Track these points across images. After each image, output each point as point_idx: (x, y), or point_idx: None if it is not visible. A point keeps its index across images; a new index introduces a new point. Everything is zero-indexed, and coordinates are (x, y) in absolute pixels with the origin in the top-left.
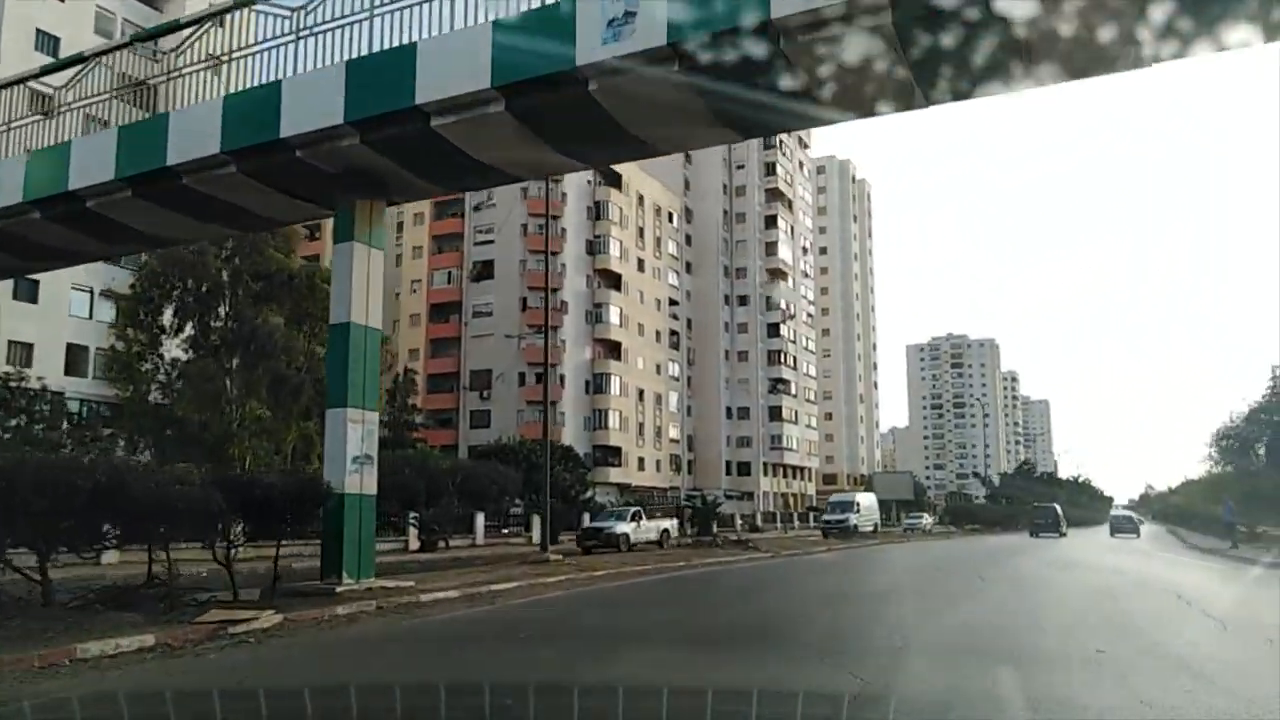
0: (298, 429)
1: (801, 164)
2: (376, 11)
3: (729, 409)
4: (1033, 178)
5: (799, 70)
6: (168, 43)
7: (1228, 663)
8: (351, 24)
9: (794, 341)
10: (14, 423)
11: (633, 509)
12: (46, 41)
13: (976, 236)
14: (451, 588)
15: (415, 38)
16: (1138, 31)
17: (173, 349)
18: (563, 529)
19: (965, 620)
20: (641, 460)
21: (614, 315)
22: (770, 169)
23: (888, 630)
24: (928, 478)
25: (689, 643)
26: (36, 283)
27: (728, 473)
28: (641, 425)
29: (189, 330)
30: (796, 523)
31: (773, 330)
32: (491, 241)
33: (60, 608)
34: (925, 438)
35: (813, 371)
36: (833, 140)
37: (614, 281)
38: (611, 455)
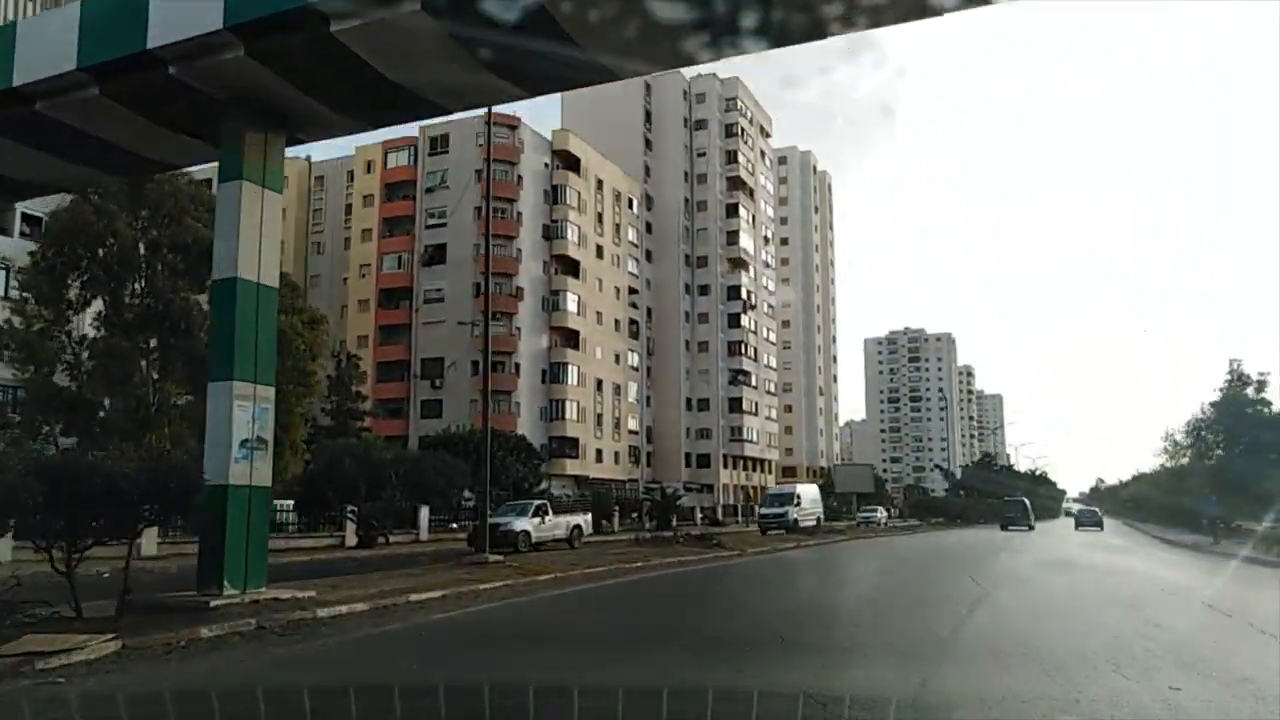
0: None
1: (763, 153)
2: None
3: (689, 400)
4: (982, 170)
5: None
6: None
7: None
8: None
9: (755, 332)
10: None
11: (536, 503)
12: None
13: (932, 231)
14: (361, 599)
15: None
16: None
17: (83, 326)
18: None
19: (988, 640)
20: (599, 452)
21: (572, 303)
22: (732, 157)
23: (906, 658)
24: (884, 471)
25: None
26: None
27: (687, 465)
28: (600, 416)
29: (98, 306)
30: (756, 516)
31: (733, 321)
32: (444, 224)
33: None
34: (882, 431)
35: (773, 363)
36: (793, 132)
37: (572, 268)
38: (569, 447)
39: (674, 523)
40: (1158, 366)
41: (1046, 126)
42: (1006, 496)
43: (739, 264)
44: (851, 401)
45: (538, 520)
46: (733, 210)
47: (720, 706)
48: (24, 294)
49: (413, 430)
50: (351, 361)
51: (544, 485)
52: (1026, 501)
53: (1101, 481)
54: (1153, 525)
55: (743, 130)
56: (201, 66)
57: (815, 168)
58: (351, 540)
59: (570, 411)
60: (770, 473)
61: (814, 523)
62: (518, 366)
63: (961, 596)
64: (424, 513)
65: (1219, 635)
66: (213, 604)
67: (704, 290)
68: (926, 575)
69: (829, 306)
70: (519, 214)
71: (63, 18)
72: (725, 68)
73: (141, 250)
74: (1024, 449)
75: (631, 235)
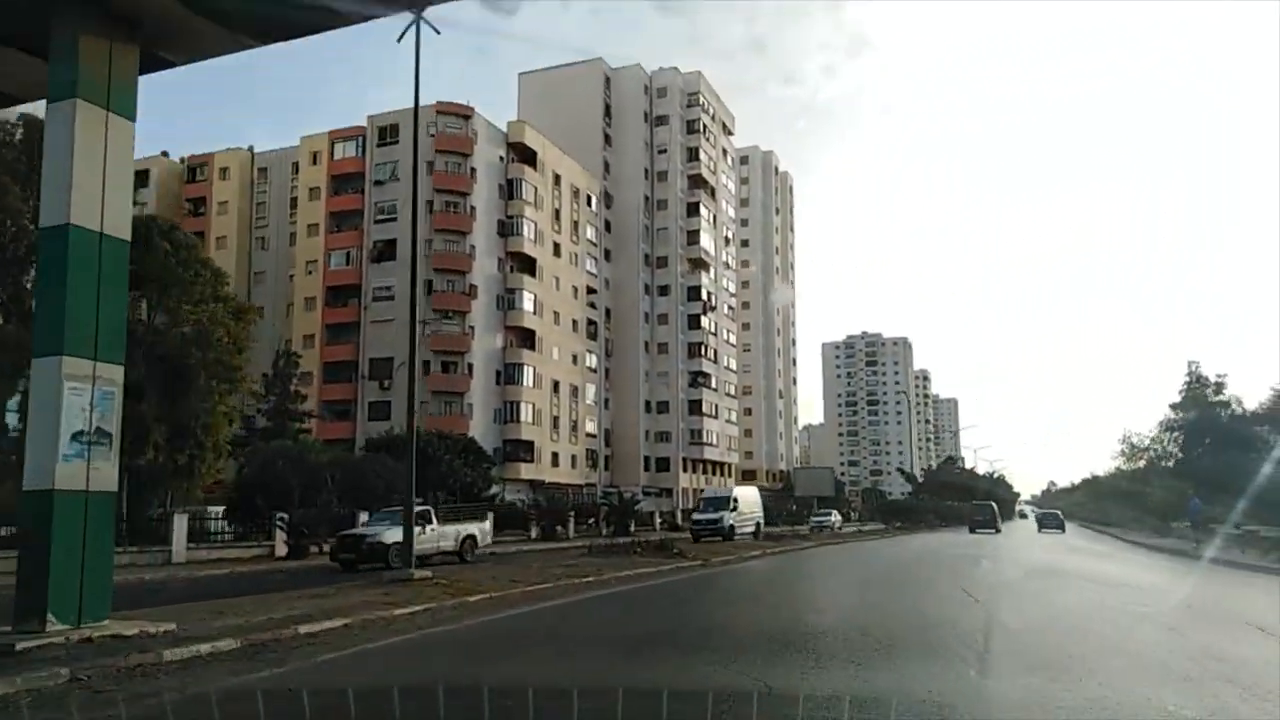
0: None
1: (725, 151)
2: None
3: (648, 402)
4: (937, 175)
5: None
6: None
7: None
8: None
9: (715, 334)
10: None
11: (417, 509)
12: None
13: (892, 235)
14: (235, 632)
15: None
16: None
17: None
18: None
19: (1036, 693)
20: (556, 455)
21: (528, 302)
22: (693, 154)
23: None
24: (842, 474)
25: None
26: None
27: (646, 469)
28: (556, 418)
29: None
30: (689, 523)
31: (693, 322)
32: (394, 219)
33: None
34: (840, 435)
35: (733, 365)
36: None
37: (528, 266)
38: (523, 450)
39: (632, 528)
40: (1107, 372)
41: (1007, 126)
42: (975, 500)
43: (699, 264)
44: (809, 405)
45: (417, 529)
46: (694, 209)
47: (721, 707)
48: None
49: (360, 433)
50: (291, 359)
51: (495, 490)
52: (994, 505)
53: (1053, 484)
54: (1114, 528)
55: (705, 127)
56: None
57: (777, 168)
58: (281, 550)
59: (526, 414)
60: (730, 476)
61: (752, 529)
62: (471, 367)
63: (966, 618)
64: (362, 519)
65: None
66: (21, 645)
67: (664, 291)
68: (915, 589)
69: (789, 309)
70: (472, 208)
71: None
72: (688, 61)
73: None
74: (982, 452)
75: (590, 233)
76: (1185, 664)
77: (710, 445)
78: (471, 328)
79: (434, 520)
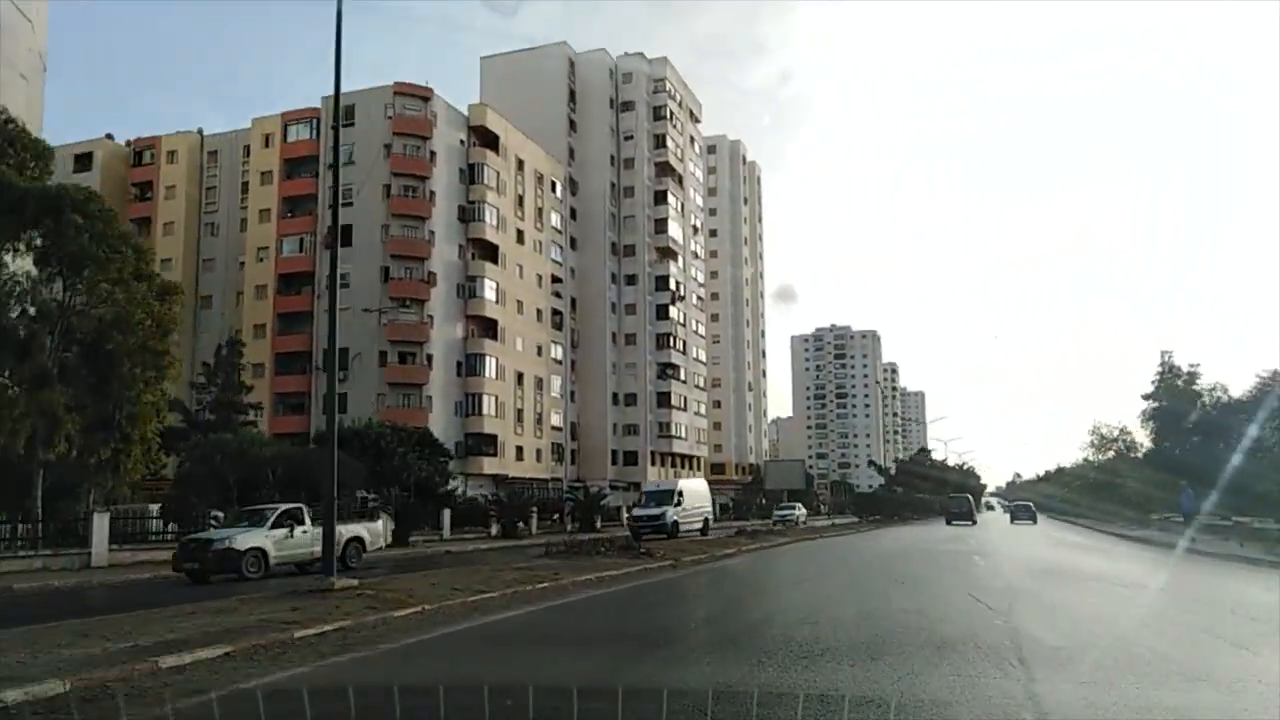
0: (27, 402)
1: (693, 139)
2: None
3: (615, 395)
4: (899, 168)
5: None
6: None
7: None
8: None
9: (684, 325)
10: None
11: (282, 508)
12: None
13: (849, 229)
14: (70, 669)
15: None
16: None
17: None
18: (413, 530)
19: None
20: (520, 449)
21: (490, 290)
22: (660, 141)
23: None
24: (811, 467)
25: None
26: None
27: (614, 462)
28: (520, 411)
29: None
30: (628, 519)
31: (662, 312)
32: (349, 204)
33: None
34: (809, 428)
35: (702, 357)
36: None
37: (490, 253)
38: (486, 444)
39: (599, 524)
40: (1074, 365)
41: (1004, 126)
42: (952, 494)
43: (667, 253)
44: (778, 398)
45: (282, 533)
46: (661, 197)
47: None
48: None
49: (315, 426)
50: (236, 347)
51: (453, 485)
52: (970, 498)
53: (1019, 476)
54: (1087, 520)
55: (671, 114)
56: None
57: (745, 158)
58: None
59: (488, 406)
60: (700, 470)
61: (699, 525)
62: (430, 358)
63: (991, 634)
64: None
65: None
66: None
67: (631, 280)
68: (920, 596)
69: (758, 301)
70: (431, 193)
71: None
72: (654, 47)
73: None
74: (953, 444)
75: (555, 220)
76: None
77: (679, 438)
78: (430, 317)
79: (306, 521)
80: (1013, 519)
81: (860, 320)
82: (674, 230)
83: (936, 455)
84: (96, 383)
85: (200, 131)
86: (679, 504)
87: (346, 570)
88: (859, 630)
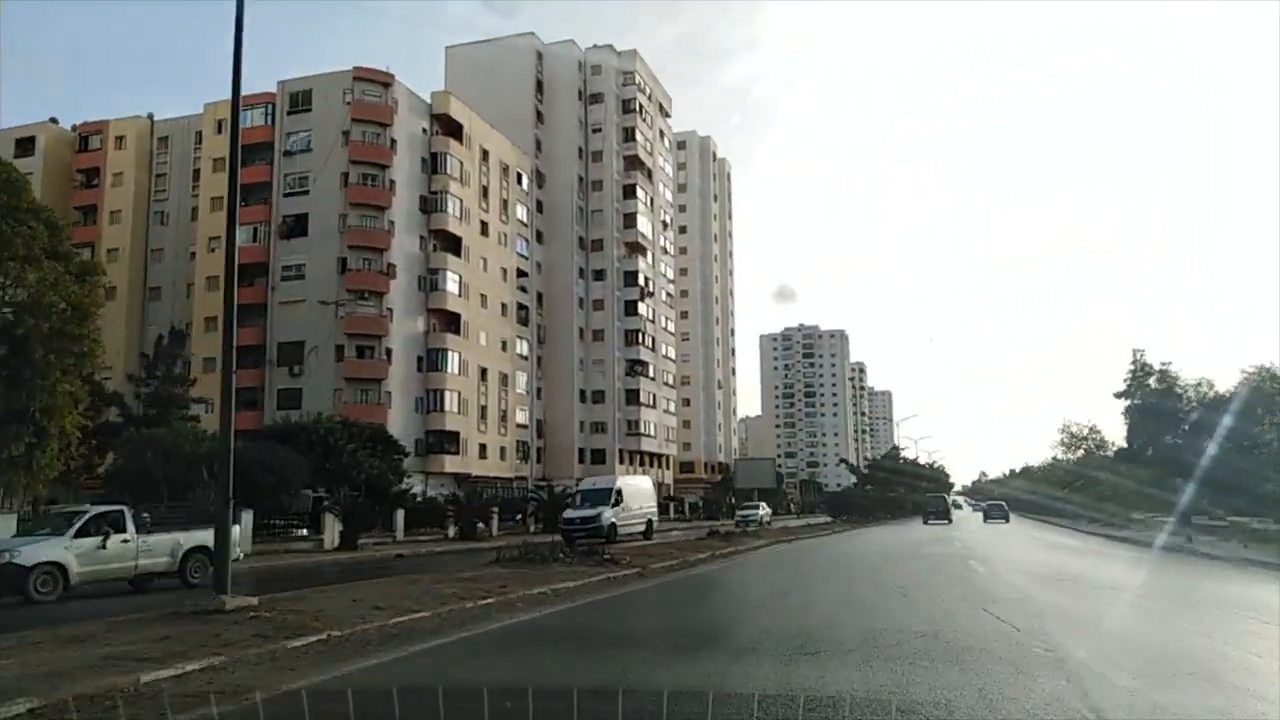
0: None
1: (662, 133)
2: None
3: (583, 392)
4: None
5: None
6: None
7: None
8: None
9: (653, 321)
10: None
11: (92, 512)
12: None
13: (833, 228)
14: None
15: None
16: None
17: None
18: (363, 532)
19: None
20: (484, 447)
21: (452, 283)
22: (629, 134)
23: None
24: (780, 466)
25: None
26: None
27: (581, 461)
28: (484, 408)
29: None
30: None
31: (630, 308)
32: (305, 193)
33: None
34: (778, 427)
35: (671, 354)
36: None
37: (453, 245)
38: (448, 441)
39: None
40: (1045, 364)
41: (956, 122)
42: (929, 493)
43: (636, 248)
44: (747, 397)
45: (90, 544)
46: (630, 191)
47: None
48: None
49: (269, 422)
50: (177, 338)
51: (409, 484)
52: (947, 497)
53: (984, 475)
54: (1060, 519)
55: (641, 107)
56: None
57: (715, 154)
58: None
59: (450, 403)
60: (669, 468)
61: (642, 528)
62: (389, 352)
63: (1036, 665)
64: (246, 518)
65: None
66: None
67: (599, 275)
68: (928, 612)
69: (727, 299)
70: (392, 182)
71: None
72: (623, 39)
73: None
74: (923, 442)
75: (521, 213)
76: None
77: (648, 436)
78: (390, 310)
79: (128, 527)
80: (985, 518)
81: (827, 319)
82: (643, 225)
83: (907, 454)
84: (6, 372)
85: (150, 116)
86: (618, 504)
87: (188, 586)
88: (871, 666)
